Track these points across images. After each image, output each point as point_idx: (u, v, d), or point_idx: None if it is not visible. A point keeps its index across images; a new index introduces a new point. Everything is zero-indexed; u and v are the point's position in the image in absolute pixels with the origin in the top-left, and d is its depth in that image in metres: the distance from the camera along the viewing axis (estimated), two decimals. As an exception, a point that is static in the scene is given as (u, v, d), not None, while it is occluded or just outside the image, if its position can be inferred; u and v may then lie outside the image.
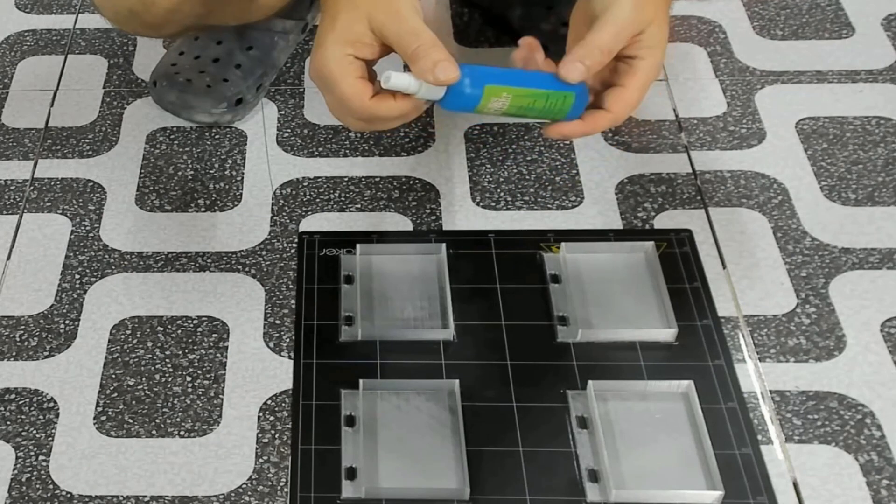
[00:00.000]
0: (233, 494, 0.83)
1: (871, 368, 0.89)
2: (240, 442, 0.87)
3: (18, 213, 1.05)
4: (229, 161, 1.10)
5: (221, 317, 0.95)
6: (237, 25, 1.12)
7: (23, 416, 0.89)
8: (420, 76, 0.76)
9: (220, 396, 0.90)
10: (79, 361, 0.93)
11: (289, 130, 1.12)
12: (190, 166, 1.09)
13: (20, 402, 0.90)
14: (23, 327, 0.96)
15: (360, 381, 0.88)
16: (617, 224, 1.01)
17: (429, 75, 0.75)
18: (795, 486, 0.82)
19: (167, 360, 0.92)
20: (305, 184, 1.07)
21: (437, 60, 0.75)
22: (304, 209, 1.04)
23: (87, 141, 1.12)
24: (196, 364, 0.92)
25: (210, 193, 1.06)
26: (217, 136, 1.12)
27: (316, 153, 1.10)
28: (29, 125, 1.14)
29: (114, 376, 0.91)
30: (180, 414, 0.89)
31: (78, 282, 0.99)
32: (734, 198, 1.03)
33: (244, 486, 0.84)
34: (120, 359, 0.93)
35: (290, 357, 0.92)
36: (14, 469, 0.85)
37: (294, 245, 1.01)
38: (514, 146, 1.09)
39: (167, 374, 0.91)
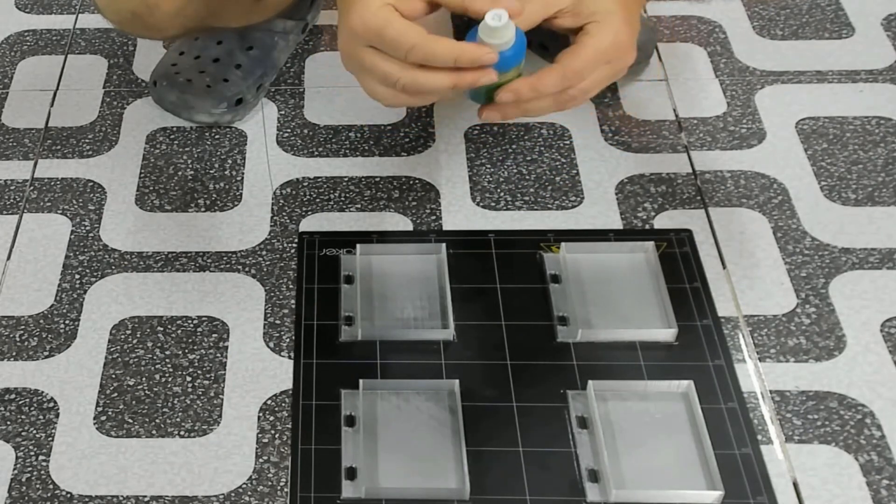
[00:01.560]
0: (233, 494, 0.83)
1: (871, 368, 0.89)
2: (240, 442, 0.87)
3: (18, 213, 1.05)
4: (229, 161, 1.10)
5: (221, 317, 0.95)
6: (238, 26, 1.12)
7: (23, 416, 0.89)
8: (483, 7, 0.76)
9: (220, 396, 0.90)
10: (79, 361, 0.93)
11: (289, 130, 1.12)
12: (190, 166, 1.09)
13: (20, 402, 0.90)
14: (23, 327, 0.96)
15: (360, 381, 0.88)
16: (617, 224, 1.01)
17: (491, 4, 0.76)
18: (795, 486, 0.82)
19: (167, 360, 0.92)
20: (305, 184, 1.07)
21: None
22: (304, 209, 1.04)
23: (87, 141, 1.12)
24: (196, 364, 0.92)
25: (210, 193, 1.06)
26: (217, 136, 1.12)
27: (316, 153, 1.10)
28: (29, 125, 1.14)
29: (114, 376, 0.91)
30: (180, 414, 0.89)
31: (78, 282, 0.99)
32: (734, 198, 1.03)
33: (244, 486, 0.84)
34: (120, 359, 0.93)
35: (290, 357, 0.92)
36: (14, 469, 0.85)
37: (294, 245, 1.01)
38: (514, 146, 1.09)
39: (167, 374, 0.91)
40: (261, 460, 0.85)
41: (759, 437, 0.85)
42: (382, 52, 0.78)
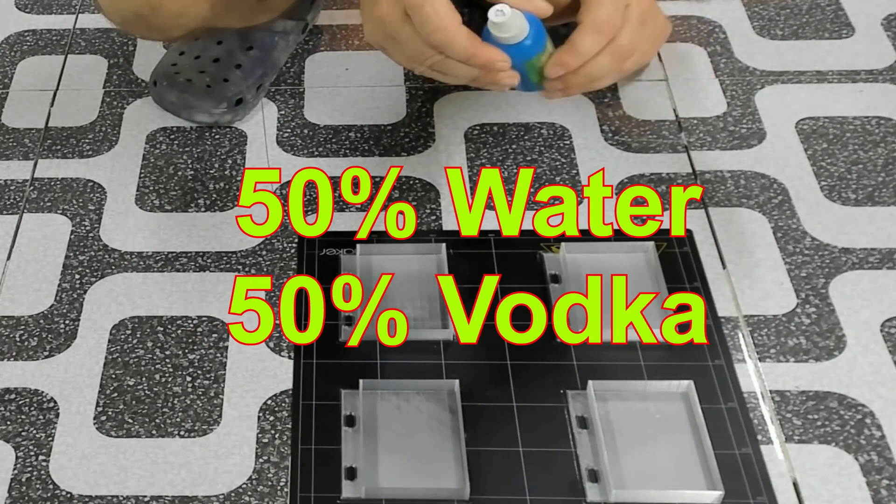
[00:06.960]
0: (233, 494, 0.83)
1: (871, 368, 0.89)
2: (240, 442, 0.87)
3: (18, 213, 1.05)
4: (229, 161, 1.10)
5: (221, 317, 0.95)
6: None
7: (23, 416, 0.89)
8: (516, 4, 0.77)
9: (220, 396, 0.90)
10: (79, 361, 0.93)
11: (289, 130, 1.12)
12: (190, 166, 1.09)
13: (20, 402, 0.90)
14: (23, 327, 0.96)
15: (360, 381, 0.88)
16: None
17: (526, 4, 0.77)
18: (795, 486, 0.82)
19: (167, 360, 0.92)
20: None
21: None
22: (304, 209, 1.04)
23: (87, 141, 1.12)
24: (196, 364, 0.92)
25: (210, 193, 1.06)
26: (217, 136, 1.12)
27: (316, 153, 1.10)
28: (29, 125, 1.14)
29: (114, 376, 0.91)
30: (180, 414, 0.89)
31: (78, 282, 0.99)
32: (734, 198, 1.03)
33: (244, 486, 0.84)
34: (120, 359, 0.93)
35: (290, 357, 0.92)
36: (14, 469, 0.85)
37: (294, 245, 1.01)
38: (514, 146, 1.09)
39: (167, 374, 0.91)
40: (261, 460, 0.85)
41: (759, 437, 0.85)
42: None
